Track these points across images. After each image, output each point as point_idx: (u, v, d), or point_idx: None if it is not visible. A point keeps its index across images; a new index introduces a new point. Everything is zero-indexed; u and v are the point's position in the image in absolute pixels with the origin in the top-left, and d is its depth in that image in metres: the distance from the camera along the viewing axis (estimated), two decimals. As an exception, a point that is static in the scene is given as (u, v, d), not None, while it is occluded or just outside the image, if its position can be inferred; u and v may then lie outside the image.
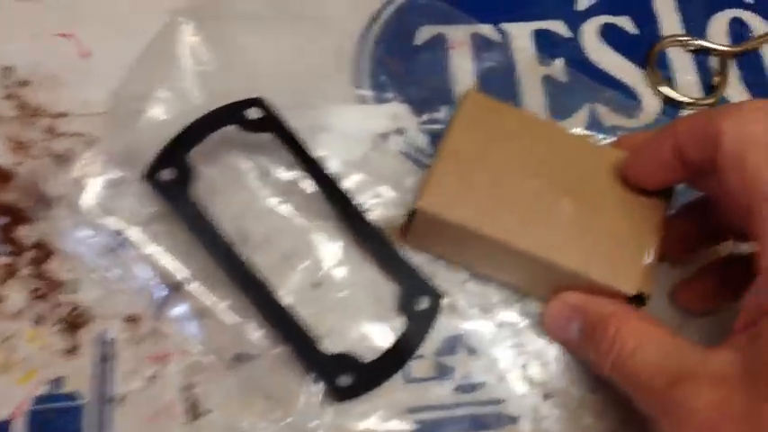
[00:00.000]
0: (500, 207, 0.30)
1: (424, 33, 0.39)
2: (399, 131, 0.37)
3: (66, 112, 0.35)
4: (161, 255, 0.33)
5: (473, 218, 0.30)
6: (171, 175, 0.32)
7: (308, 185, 0.34)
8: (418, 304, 0.32)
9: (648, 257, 0.30)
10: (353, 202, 0.33)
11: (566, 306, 0.32)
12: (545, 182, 0.31)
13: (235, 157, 0.35)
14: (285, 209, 0.34)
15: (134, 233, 0.33)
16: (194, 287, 0.32)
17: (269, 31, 0.38)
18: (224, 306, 0.32)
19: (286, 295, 0.33)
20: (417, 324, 0.32)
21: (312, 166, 0.33)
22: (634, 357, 0.28)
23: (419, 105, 0.37)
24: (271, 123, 0.34)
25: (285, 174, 0.35)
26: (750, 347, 0.25)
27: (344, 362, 0.31)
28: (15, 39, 0.37)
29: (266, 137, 0.34)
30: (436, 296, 0.33)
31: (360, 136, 0.36)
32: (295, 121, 0.36)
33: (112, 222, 0.33)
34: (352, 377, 0.31)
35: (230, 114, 0.34)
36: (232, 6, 0.38)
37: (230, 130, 0.34)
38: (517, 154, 0.31)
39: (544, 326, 0.33)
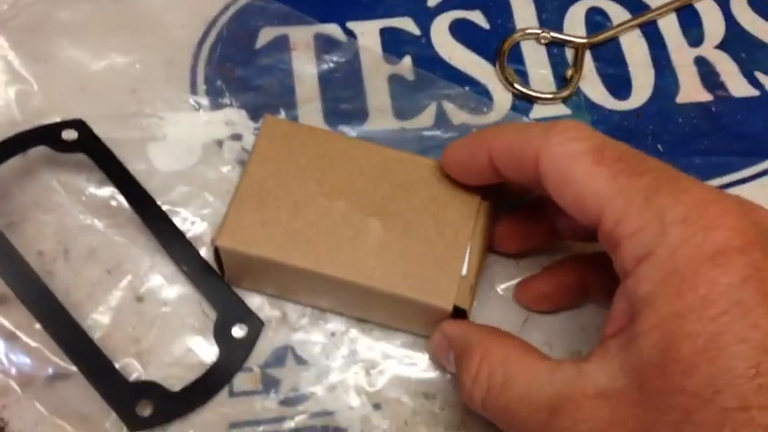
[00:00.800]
0: (306, 234, 0.29)
1: (265, 36, 0.38)
2: (235, 137, 0.35)
3: None
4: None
5: (277, 249, 0.29)
6: None
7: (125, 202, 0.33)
8: (236, 330, 0.31)
9: (464, 268, 0.29)
10: (168, 221, 0.32)
11: (441, 335, 0.30)
12: (351, 203, 0.30)
13: (49, 177, 0.33)
14: (106, 225, 0.33)
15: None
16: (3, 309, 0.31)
17: (97, 42, 0.37)
18: (36, 326, 0.31)
19: (107, 310, 0.32)
20: (233, 352, 0.31)
21: (126, 184, 0.32)
22: (504, 391, 0.25)
23: (257, 110, 0.36)
24: (86, 144, 0.33)
25: (104, 191, 0.33)
26: (627, 354, 0.22)
27: (145, 390, 0.29)
28: None
29: (81, 157, 0.33)
30: (256, 322, 0.31)
31: (193, 144, 0.35)
32: (126, 133, 0.35)
33: None
34: (153, 406, 0.29)
35: (41, 136, 0.33)
36: (52, 18, 0.37)
37: (44, 150, 0.33)
38: (321, 178, 0.30)
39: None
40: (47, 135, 0.32)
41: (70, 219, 0.33)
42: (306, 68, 0.37)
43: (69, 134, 0.33)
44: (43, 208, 0.33)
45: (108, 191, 0.33)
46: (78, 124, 0.33)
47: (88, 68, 0.36)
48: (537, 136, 0.26)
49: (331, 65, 0.37)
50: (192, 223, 0.33)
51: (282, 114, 0.36)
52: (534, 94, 0.37)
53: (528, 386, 0.24)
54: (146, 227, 0.32)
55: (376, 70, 0.37)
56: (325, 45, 0.37)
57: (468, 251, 0.30)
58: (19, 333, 0.31)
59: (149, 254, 0.32)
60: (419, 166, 0.31)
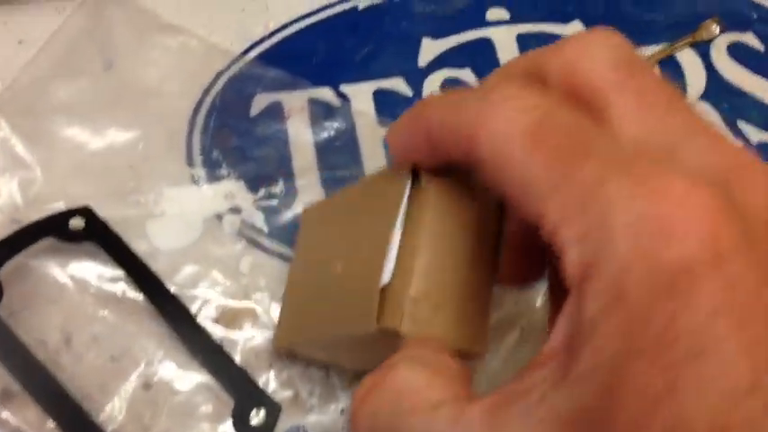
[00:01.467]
0: (317, 305, 0.29)
1: (259, 102, 0.37)
2: (234, 210, 0.35)
3: None
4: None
5: (300, 331, 0.29)
6: None
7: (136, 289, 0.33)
8: (253, 417, 0.31)
9: (385, 274, 0.23)
10: (179, 305, 0.32)
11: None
12: (340, 255, 0.27)
13: (53, 264, 0.33)
14: (113, 312, 0.32)
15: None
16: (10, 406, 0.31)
17: (95, 118, 0.36)
18: (48, 424, 0.31)
19: (119, 401, 0.31)
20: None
21: (136, 271, 0.32)
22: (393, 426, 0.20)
23: (255, 181, 0.36)
24: (94, 231, 0.32)
25: (112, 276, 0.33)
26: (556, 403, 0.17)
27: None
28: None
29: (89, 246, 0.32)
30: (274, 406, 0.31)
31: (192, 220, 0.35)
32: (125, 211, 0.35)
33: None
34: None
35: (48, 227, 0.32)
36: (49, 97, 0.36)
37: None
38: (326, 243, 0.30)
39: None
40: (53, 226, 0.32)
41: (75, 307, 0.32)
42: (302, 136, 0.37)
43: (76, 222, 0.32)
44: (46, 297, 0.32)
45: (115, 276, 0.33)
46: (85, 212, 0.32)
47: (87, 147, 0.35)
48: (473, 106, 0.20)
49: (327, 133, 0.37)
50: (202, 304, 0.33)
51: (280, 185, 0.36)
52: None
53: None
54: (156, 312, 0.32)
55: (371, 135, 0.37)
56: (319, 111, 0.37)
57: (392, 246, 0.23)
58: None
59: (160, 340, 0.32)
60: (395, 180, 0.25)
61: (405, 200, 0.23)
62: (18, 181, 0.34)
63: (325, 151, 0.37)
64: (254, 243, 0.34)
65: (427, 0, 0.40)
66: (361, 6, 0.40)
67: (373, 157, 0.37)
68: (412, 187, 0.23)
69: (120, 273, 0.32)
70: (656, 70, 0.39)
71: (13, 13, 0.39)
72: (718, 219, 0.16)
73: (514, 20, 0.40)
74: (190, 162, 0.36)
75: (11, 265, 0.32)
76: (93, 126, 0.36)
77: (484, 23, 0.40)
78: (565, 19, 0.40)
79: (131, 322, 0.32)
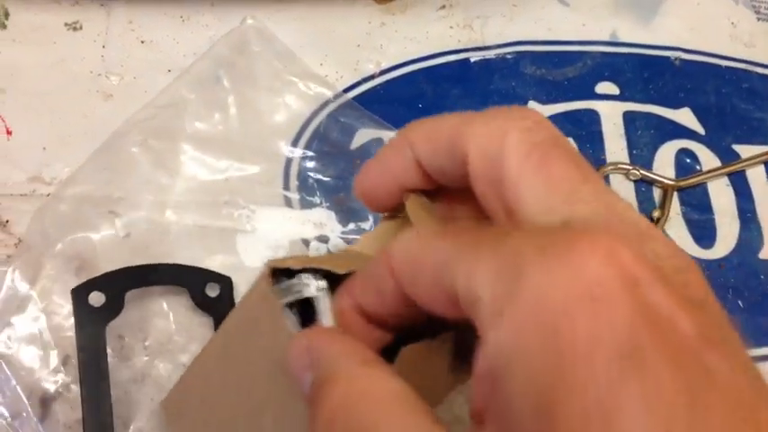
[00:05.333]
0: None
1: (361, 137, 0.38)
2: (322, 239, 0.36)
3: (-21, 190, 0.35)
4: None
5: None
6: (98, 301, 0.31)
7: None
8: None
9: None
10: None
11: (302, 343, 0.21)
12: (251, 397, 0.24)
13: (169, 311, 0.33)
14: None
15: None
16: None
17: (212, 148, 0.37)
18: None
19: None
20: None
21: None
22: None
23: (346, 213, 0.36)
24: (219, 303, 0.33)
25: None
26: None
27: None
28: (-60, 111, 0.36)
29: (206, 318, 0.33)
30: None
31: (280, 241, 0.35)
32: (219, 222, 0.35)
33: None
34: None
35: (188, 277, 0.33)
36: (183, 124, 0.36)
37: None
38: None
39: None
40: (194, 278, 0.33)
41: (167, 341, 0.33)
42: (397, 176, 0.37)
43: (212, 290, 0.33)
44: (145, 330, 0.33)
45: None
46: (225, 282, 0.33)
47: (203, 171, 0.36)
48: (468, 125, 0.21)
49: None
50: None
51: (370, 221, 0.36)
52: (619, 231, 0.37)
53: None
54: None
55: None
56: (418, 155, 0.38)
57: None
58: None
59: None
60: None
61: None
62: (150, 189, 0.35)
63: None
64: (335, 274, 0.35)
65: (539, 63, 0.41)
66: (473, 59, 0.41)
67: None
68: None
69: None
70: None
71: (140, 14, 0.40)
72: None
73: (623, 97, 0.40)
74: (286, 186, 0.36)
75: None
76: (214, 155, 0.36)
77: (593, 95, 0.40)
78: (675, 105, 0.40)
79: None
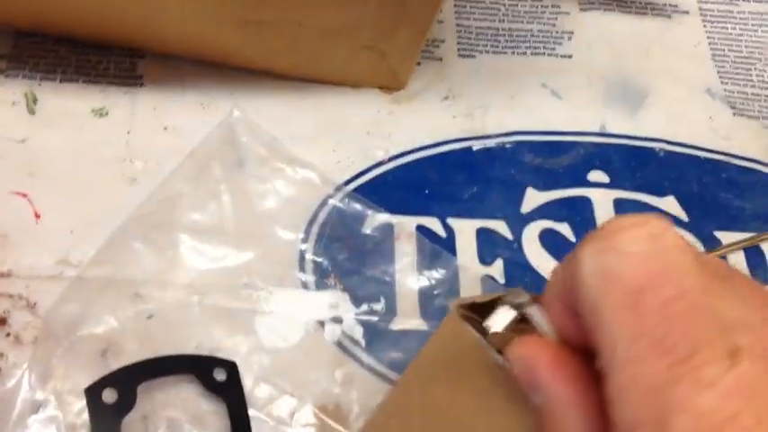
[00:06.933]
0: None
1: (372, 221, 0.40)
2: (336, 320, 0.37)
3: (9, 272, 0.36)
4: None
5: None
6: (111, 397, 0.33)
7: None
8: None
9: None
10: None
11: (528, 354, 0.23)
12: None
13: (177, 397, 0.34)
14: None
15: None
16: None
17: (217, 237, 0.38)
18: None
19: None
20: None
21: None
22: None
23: (359, 295, 0.38)
24: (228, 389, 0.34)
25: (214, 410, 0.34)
26: None
27: None
28: (-28, 193, 0.38)
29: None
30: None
31: (297, 323, 0.37)
32: (237, 303, 0.37)
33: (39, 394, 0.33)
34: None
35: (194, 365, 0.35)
36: (180, 216, 0.38)
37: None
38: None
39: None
40: (200, 366, 0.34)
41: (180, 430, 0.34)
42: (406, 259, 0.39)
43: (219, 374, 0.34)
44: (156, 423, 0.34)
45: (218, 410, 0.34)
46: (230, 366, 0.35)
47: (205, 258, 0.38)
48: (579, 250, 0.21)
49: (431, 281, 0.39)
50: (296, 406, 0.34)
51: (382, 303, 0.38)
52: (613, 312, 0.40)
53: None
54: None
55: (471, 268, 0.40)
56: (426, 238, 0.40)
57: None
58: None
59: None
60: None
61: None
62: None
63: (426, 294, 0.38)
64: (350, 355, 0.36)
65: (536, 152, 0.44)
66: (475, 148, 0.44)
67: (470, 292, 0.39)
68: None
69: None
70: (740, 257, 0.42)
71: (164, 101, 0.42)
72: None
73: (613, 185, 0.44)
74: (301, 267, 0.38)
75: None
76: (214, 242, 0.38)
77: (585, 183, 0.43)
78: (660, 193, 0.44)
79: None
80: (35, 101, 0.41)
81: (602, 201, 0.43)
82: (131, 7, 0.38)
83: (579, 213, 0.43)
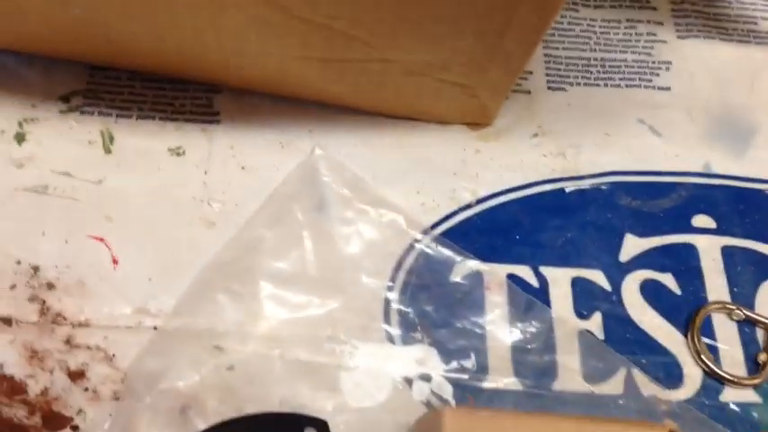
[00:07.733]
0: None
1: (460, 270, 0.38)
2: (424, 377, 0.35)
3: (87, 322, 0.34)
4: None
5: None
6: None
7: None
8: None
9: None
10: None
11: None
12: None
13: None
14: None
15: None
16: None
17: (299, 285, 0.36)
18: None
19: None
20: None
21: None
22: None
23: (448, 350, 0.36)
24: None
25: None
26: None
27: None
28: (48, 237, 0.36)
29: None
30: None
31: (383, 380, 0.35)
32: (321, 358, 0.35)
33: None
34: None
35: (286, 426, 0.33)
36: (261, 263, 0.36)
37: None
38: None
39: None
40: (289, 426, 0.33)
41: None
42: (498, 310, 0.37)
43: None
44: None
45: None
46: (321, 425, 0.33)
47: (287, 308, 0.36)
48: None
49: (525, 335, 0.36)
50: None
51: (473, 359, 0.35)
52: (724, 374, 0.36)
53: None
54: None
55: (567, 323, 0.37)
56: (518, 288, 0.37)
57: None
58: None
59: None
60: None
61: None
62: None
63: (520, 349, 0.36)
64: (440, 416, 0.34)
65: (634, 194, 0.41)
66: (567, 189, 0.41)
67: (566, 347, 0.36)
68: None
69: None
70: None
71: (241, 138, 0.41)
72: None
73: (721, 231, 0.40)
74: (387, 318, 0.36)
75: None
76: (296, 290, 0.36)
77: (689, 229, 0.40)
78: (773, 240, 0.40)
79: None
80: (111, 140, 0.40)
81: (709, 248, 0.40)
82: (213, 46, 0.36)
83: (684, 262, 0.39)
